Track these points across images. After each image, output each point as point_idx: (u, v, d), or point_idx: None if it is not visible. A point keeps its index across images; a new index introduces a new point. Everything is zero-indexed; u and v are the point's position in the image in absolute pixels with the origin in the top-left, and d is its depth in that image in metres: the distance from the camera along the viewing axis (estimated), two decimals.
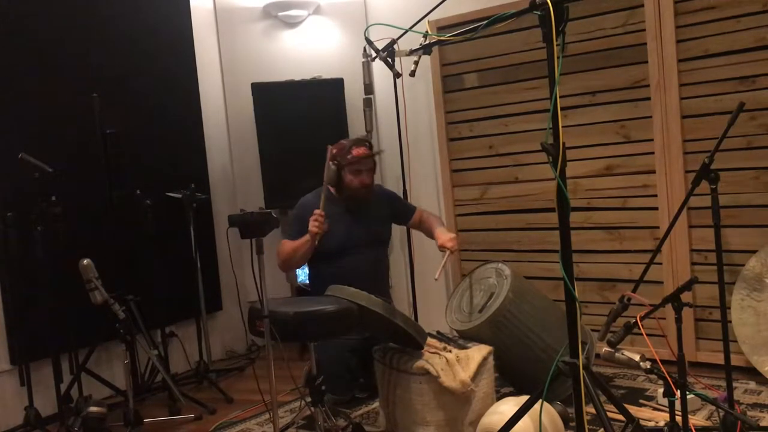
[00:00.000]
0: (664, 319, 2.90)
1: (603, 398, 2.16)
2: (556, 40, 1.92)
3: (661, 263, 3.54)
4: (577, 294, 2.01)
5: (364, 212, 3.54)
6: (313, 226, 3.30)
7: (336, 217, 3.48)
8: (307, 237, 3.35)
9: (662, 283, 3.56)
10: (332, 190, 3.54)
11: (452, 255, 3.46)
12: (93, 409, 3.04)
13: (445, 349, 2.91)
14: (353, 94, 4.53)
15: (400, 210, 3.76)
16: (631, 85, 3.63)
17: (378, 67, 4.02)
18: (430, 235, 3.68)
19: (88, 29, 3.94)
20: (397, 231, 4.49)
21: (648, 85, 3.55)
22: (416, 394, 2.81)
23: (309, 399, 2.78)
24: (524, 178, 4.06)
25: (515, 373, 3.26)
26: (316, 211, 3.30)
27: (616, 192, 3.74)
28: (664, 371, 2.21)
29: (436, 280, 3.37)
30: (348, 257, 3.48)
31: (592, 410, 2.10)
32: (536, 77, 3.90)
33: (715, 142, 2.61)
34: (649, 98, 3.55)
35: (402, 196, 4.14)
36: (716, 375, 3.27)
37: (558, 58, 1.93)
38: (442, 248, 3.46)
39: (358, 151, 3.45)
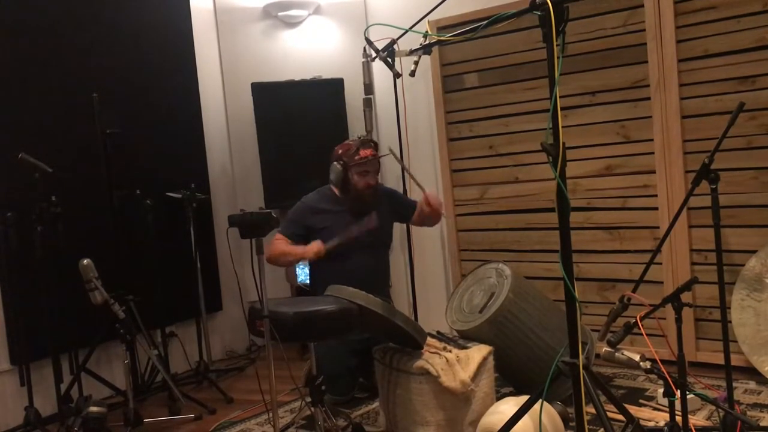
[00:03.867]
0: (664, 319, 2.90)
1: (603, 398, 2.16)
2: (556, 40, 1.92)
3: (661, 263, 3.54)
4: (577, 294, 2.01)
5: (367, 214, 3.53)
6: (309, 254, 3.33)
7: (338, 218, 3.48)
8: (300, 251, 3.36)
9: (662, 283, 3.56)
10: (336, 191, 3.54)
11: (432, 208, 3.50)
12: (93, 409, 3.03)
13: (445, 349, 2.91)
14: (353, 94, 4.54)
15: (402, 208, 3.76)
16: (631, 85, 3.63)
17: (378, 67, 4.02)
18: (429, 221, 3.72)
19: (89, 29, 3.94)
20: (397, 231, 4.49)
21: (648, 85, 3.55)
22: (416, 394, 2.81)
23: (309, 399, 2.78)
24: (524, 178, 4.06)
25: (515, 373, 3.26)
26: (321, 248, 3.31)
27: (616, 192, 3.74)
28: (664, 371, 2.21)
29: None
30: (349, 259, 3.48)
31: (592, 410, 2.10)
32: (536, 77, 3.90)
33: (715, 142, 2.62)
34: (649, 98, 3.56)
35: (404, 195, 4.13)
36: (716, 375, 3.27)
37: (558, 58, 1.93)
38: (426, 202, 3.52)
39: (365, 152, 3.45)
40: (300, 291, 4.40)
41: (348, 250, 3.47)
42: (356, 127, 4.51)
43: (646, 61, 3.53)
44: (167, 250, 3.99)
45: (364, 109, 4.37)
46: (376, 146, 3.57)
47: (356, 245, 3.49)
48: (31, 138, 3.57)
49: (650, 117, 3.56)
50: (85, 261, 3.00)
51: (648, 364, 2.28)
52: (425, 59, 3.91)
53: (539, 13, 1.93)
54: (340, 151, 3.49)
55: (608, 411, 2.13)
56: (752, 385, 3.19)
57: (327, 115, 4.54)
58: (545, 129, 2.17)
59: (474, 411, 2.81)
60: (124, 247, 3.81)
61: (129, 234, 3.85)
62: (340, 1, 4.72)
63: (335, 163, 3.46)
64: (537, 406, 2.18)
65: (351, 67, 4.46)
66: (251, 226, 2.55)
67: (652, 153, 3.58)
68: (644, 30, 3.52)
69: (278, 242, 3.46)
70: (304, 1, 4.65)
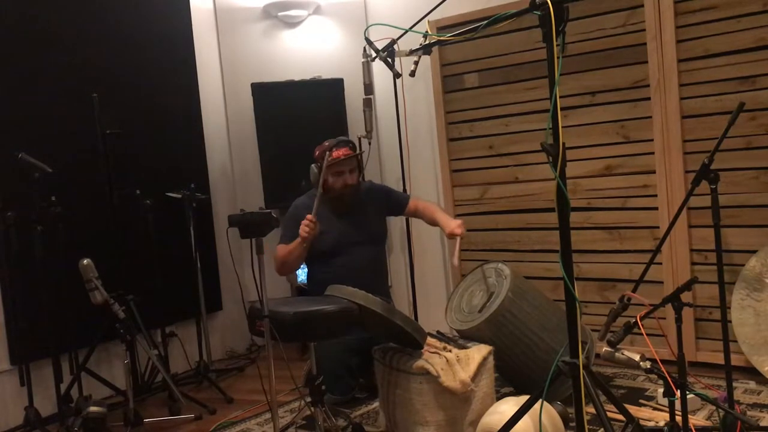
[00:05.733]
0: (664, 319, 2.90)
1: (603, 398, 2.16)
2: (556, 40, 1.92)
3: (661, 263, 3.54)
4: (577, 294, 2.01)
5: (356, 211, 3.55)
6: (303, 231, 3.30)
7: (328, 218, 3.48)
8: (297, 241, 3.35)
9: (662, 283, 3.56)
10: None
11: (462, 239, 3.44)
12: (93, 409, 3.03)
13: (445, 348, 2.91)
14: (353, 94, 4.53)
15: (394, 202, 3.76)
16: (631, 85, 3.63)
17: (378, 67, 4.02)
18: (432, 222, 3.68)
19: (88, 29, 3.94)
20: (398, 231, 4.50)
21: (648, 85, 3.55)
22: (416, 394, 2.81)
23: (309, 399, 2.78)
24: (524, 178, 4.06)
25: (515, 373, 3.26)
26: (308, 216, 3.30)
27: (616, 192, 3.74)
28: (664, 371, 2.21)
29: (456, 266, 3.34)
30: (343, 257, 3.49)
31: (592, 410, 2.10)
32: (536, 77, 3.90)
33: (715, 142, 2.62)
34: (649, 98, 3.56)
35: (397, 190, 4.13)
36: (716, 375, 3.28)
37: (558, 58, 1.93)
38: (451, 236, 3.46)
39: (338, 153, 3.43)
40: (300, 291, 4.40)
41: (342, 250, 3.47)
42: (356, 127, 4.51)
43: (646, 61, 3.53)
44: (167, 250, 3.98)
45: (364, 109, 4.36)
46: (353, 146, 3.55)
47: (350, 244, 3.49)
48: (31, 138, 3.57)
49: (650, 117, 3.56)
50: (85, 261, 3.00)
51: (648, 364, 2.28)
52: (425, 59, 3.91)
53: (539, 13, 1.93)
54: (316, 153, 3.49)
55: (608, 411, 2.13)
56: (752, 385, 3.18)
57: (327, 115, 4.53)
58: (545, 129, 2.17)
59: (474, 411, 2.81)
60: (124, 247, 3.81)
61: (129, 234, 3.85)
62: (340, 1, 4.72)
63: (312, 165, 3.47)
64: (537, 406, 2.18)
65: (351, 67, 4.45)
66: (251, 226, 2.55)
67: (652, 153, 3.58)
68: (644, 30, 3.52)
69: (279, 250, 3.47)
70: (304, 1, 4.65)
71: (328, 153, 3.36)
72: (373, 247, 3.64)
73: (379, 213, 3.70)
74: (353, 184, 3.52)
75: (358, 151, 3.59)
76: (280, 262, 3.47)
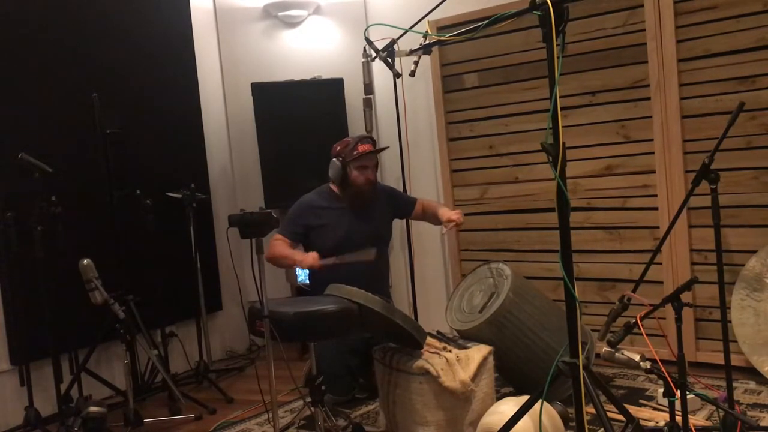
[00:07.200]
0: (664, 319, 2.90)
1: (603, 398, 2.16)
2: (556, 40, 1.92)
3: (661, 263, 3.54)
4: (577, 294, 2.01)
5: (365, 211, 3.55)
6: (305, 262, 3.32)
7: (337, 215, 3.49)
8: (297, 258, 3.37)
9: (662, 283, 3.56)
10: (335, 188, 3.55)
11: (457, 227, 3.50)
12: (93, 409, 3.04)
13: (445, 349, 2.91)
14: (353, 94, 4.54)
15: (401, 204, 3.77)
16: (631, 85, 3.63)
17: (378, 67, 4.02)
18: (435, 220, 3.69)
19: (88, 29, 3.94)
20: (397, 231, 4.49)
21: (648, 85, 3.55)
22: (416, 394, 2.81)
23: (309, 399, 2.78)
24: (524, 178, 4.06)
25: (515, 373, 3.26)
26: (319, 262, 3.29)
27: (616, 192, 3.74)
28: (664, 371, 2.21)
29: (443, 234, 3.40)
30: None
31: (592, 410, 2.10)
32: (536, 77, 3.90)
33: (715, 142, 2.62)
34: (649, 98, 3.56)
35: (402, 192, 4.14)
36: (716, 375, 3.27)
37: (558, 58, 1.93)
38: (448, 221, 3.48)
39: (363, 147, 3.46)
40: (300, 291, 4.40)
41: (347, 249, 3.48)
42: (356, 127, 4.51)
43: (646, 61, 3.53)
44: (167, 250, 3.98)
45: (364, 109, 4.37)
46: (374, 142, 3.58)
47: (356, 244, 3.49)
48: (31, 138, 3.57)
49: (650, 117, 3.56)
50: (85, 261, 3.00)
51: (648, 364, 2.29)
52: (425, 59, 3.91)
53: (539, 13, 1.93)
54: (338, 148, 3.50)
55: (608, 411, 2.13)
56: (752, 385, 3.19)
57: (327, 115, 4.54)
58: (545, 129, 2.17)
59: (474, 411, 2.82)
60: (124, 247, 3.81)
61: (129, 234, 3.85)
62: (340, 1, 4.72)
63: (334, 159, 3.48)
64: (537, 406, 2.18)
65: (351, 67, 4.46)
66: (251, 226, 2.55)
67: (652, 153, 3.58)
68: (644, 30, 3.52)
69: (277, 243, 3.47)
70: (304, 1, 4.66)
71: (352, 146, 3.41)
72: (377, 248, 3.63)
73: (386, 214, 3.70)
74: (374, 181, 3.54)
75: (380, 147, 3.62)
76: (272, 257, 3.47)
